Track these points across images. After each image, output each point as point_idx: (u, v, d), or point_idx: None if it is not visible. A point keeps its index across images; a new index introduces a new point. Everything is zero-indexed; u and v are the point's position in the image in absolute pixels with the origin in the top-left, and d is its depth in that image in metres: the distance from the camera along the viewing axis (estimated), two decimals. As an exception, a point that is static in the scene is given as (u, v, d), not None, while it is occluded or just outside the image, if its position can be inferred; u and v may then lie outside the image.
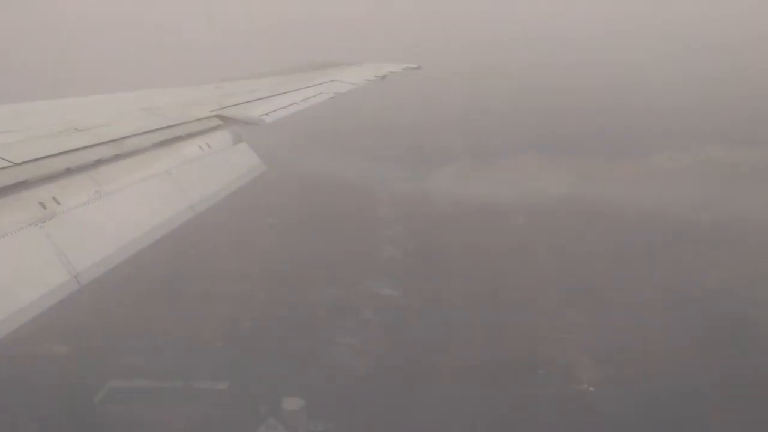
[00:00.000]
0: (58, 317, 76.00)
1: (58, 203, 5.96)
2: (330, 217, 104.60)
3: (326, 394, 61.21)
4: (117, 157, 7.24)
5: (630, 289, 78.38)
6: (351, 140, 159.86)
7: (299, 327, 72.05)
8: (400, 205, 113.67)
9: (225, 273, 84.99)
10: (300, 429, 58.67)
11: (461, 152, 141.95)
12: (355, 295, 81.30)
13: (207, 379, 63.82)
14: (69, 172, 6.47)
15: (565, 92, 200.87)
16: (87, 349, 67.86)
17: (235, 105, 10.90)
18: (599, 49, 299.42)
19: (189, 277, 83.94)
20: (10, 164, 5.88)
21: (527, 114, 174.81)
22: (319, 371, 64.88)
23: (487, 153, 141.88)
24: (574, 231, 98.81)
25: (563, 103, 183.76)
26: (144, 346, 68.06)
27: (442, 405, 59.19)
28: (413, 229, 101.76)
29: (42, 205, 5.80)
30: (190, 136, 8.81)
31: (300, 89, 13.75)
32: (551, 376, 64.33)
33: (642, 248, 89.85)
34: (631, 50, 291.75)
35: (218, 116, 9.90)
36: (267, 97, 12.25)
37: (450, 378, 62.97)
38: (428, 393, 60.86)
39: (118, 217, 6.66)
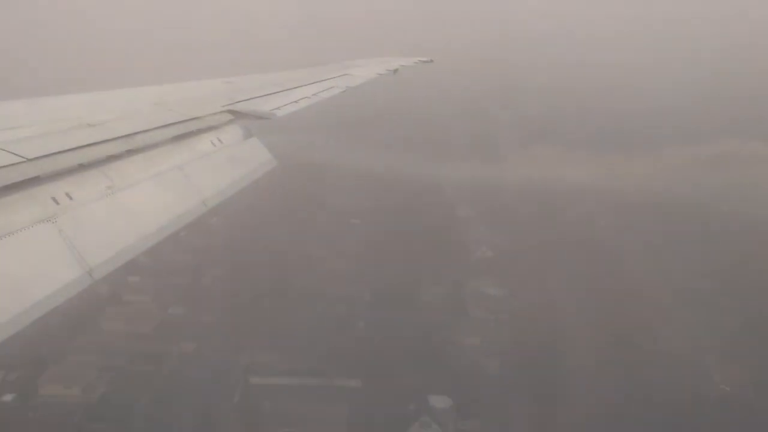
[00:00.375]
0: (172, 316, 78.33)
1: (71, 199, 5.96)
2: (407, 215, 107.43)
3: (467, 392, 61.32)
4: (129, 153, 7.24)
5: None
6: (390, 134, 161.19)
7: (414, 327, 72.87)
8: (469, 201, 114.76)
9: (326, 273, 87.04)
10: (450, 427, 58.17)
11: (506, 146, 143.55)
12: (462, 295, 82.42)
13: (340, 377, 64.43)
14: (81, 167, 6.47)
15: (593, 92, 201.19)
16: (214, 348, 69.30)
17: (246, 100, 10.88)
18: (601, 48, 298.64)
19: (294, 277, 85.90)
20: (23, 160, 5.89)
21: (554, 111, 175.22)
22: (452, 370, 65.18)
23: (531, 146, 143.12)
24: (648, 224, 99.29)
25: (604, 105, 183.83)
26: (269, 345, 69.23)
27: (582, 402, 58.78)
28: (495, 225, 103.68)
29: (55, 200, 5.80)
30: (202, 131, 8.79)
31: (311, 84, 13.70)
32: (680, 375, 63.87)
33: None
34: (634, 49, 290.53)
35: (229, 111, 9.88)
36: (278, 91, 12.21)
37: (581, 376, 62.78)
38: (564, 390, 60.56)
39: (131, 213, 6.65)
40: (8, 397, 62.50)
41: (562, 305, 76.79)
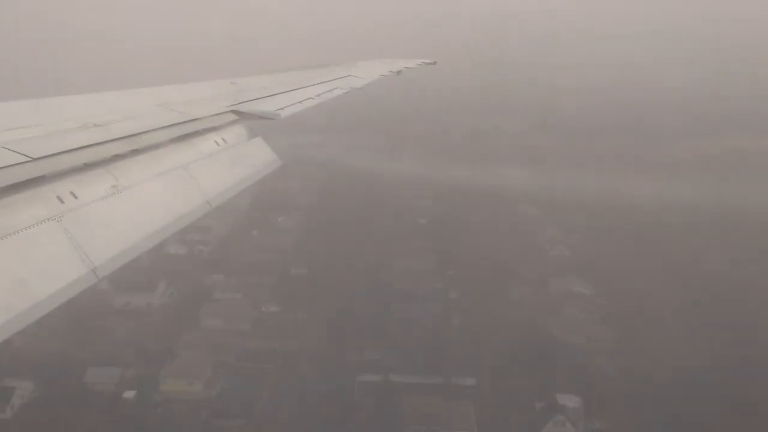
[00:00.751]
0: (267, 313, 79.34)
1: (76, 198, 6.00)
2: (470, 215, 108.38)
3: (590, 392, 61.09)
4: (134, 153, 7.27)
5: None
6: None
7: (510, 325, 72.87)
8: (530, 202, 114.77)
9: (404, 272, 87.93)
10: (580, 426, 58.08)
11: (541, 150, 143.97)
12: (550, 294, 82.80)
13: (456, 375, 64.49)
14: (86, 167, 6.50)
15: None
16: (318, 345, 70.49)
17: (250, 100, 10.90)
18: (604, 46, 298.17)
19: (375, 275, 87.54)
20: (29, 159, 5.92)
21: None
22: (566, 370, 64.89)
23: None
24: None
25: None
26: (372, 342, 70.04)
27: (712, 404, 58.11)
28: (562, 224, 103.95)
29: (60, 199, 5.83)
30: (206, 131, 8.83)
31: (315, 84, 13.72)
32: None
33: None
34: (640, 47, 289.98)
35: (233, 111, 9.91)
36: (282, 92, 12.24)
37: (702, 376, 62.15)
38: (688, 393, 59.89)
39: (135, 212, 6.68)
40: (129, 394, 63.56)
41: (652, 303, 77.17)
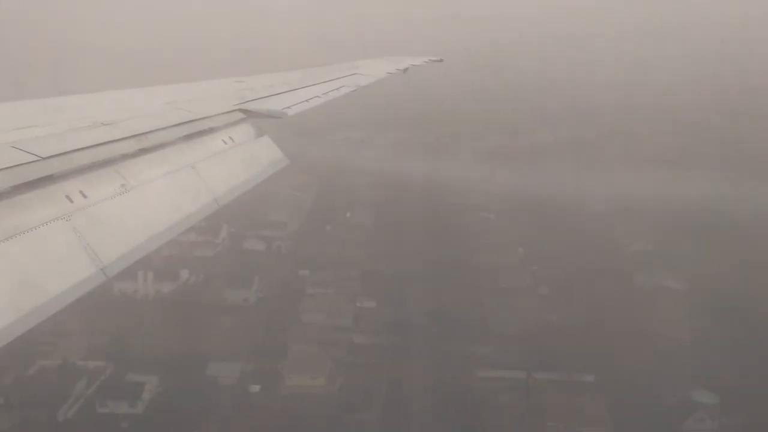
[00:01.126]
0: (363, 309, 79.57)
1: (85, 197, 6.01)
2: (535, 213, 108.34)
3: (720, 388, 60.53)
4: (142, 152, 7.28)
5: None
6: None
7: (608, 318, 72.60)
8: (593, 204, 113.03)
9: (491, 267, 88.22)
10: (716, 422, 57.98)
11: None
12: (640, 288, 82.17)
13: (573, 371, 64.33)
14: (95, 166, 6.51)
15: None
16: (424, 340, 71.31)
17: (257, 99, 10.90)
18: (610, 44, 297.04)
19: (459, 271, 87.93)
20: (37, 158, 5.93)
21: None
22: (680, 366, 64.28)
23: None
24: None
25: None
26: (476, 337, 70.48)
27: None
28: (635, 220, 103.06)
29: (68, 198, 5.84)
30: (213, 130, 8.83)
31: (322, 83, 13.71)
32: None
33: None
34: (646, 45, 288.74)
35: (240, 110, 9.91)
36: (289, 90, 12.23)
37: None
38: None
39: (144, 211, 6.70)
40: (255, 388, 64.50)
41: (745, 298, 76.74)
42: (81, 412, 61.30)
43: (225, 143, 8.76)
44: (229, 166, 8.50)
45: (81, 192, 6.01)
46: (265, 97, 11.25)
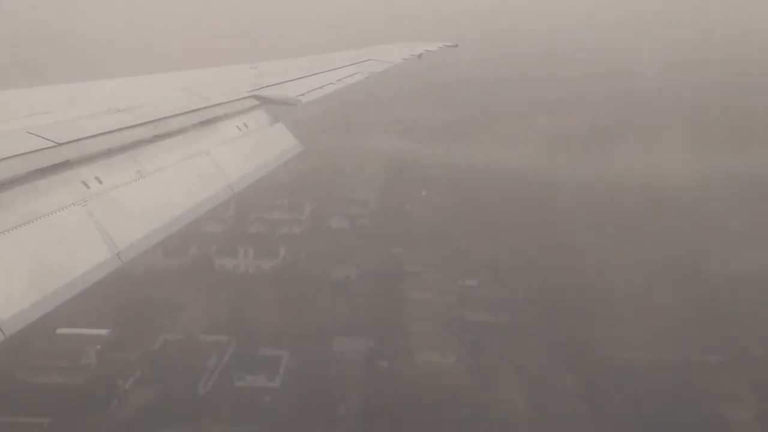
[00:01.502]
0: (467, 287, 79.02)
1: (101, 183, 6.05)
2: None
3: None
4: (157, 138, 7.31)
5: None
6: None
7: (681, 311, 71.65)
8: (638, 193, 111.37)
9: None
10: None
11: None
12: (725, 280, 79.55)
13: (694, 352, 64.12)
14: (111, 152, 6.55)
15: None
16: (533, 320, 71.23)
17: (271, 85, 10.88)
18: (626, 35, 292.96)
19: (553, 252, 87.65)
20: (54, 144, 5.97)
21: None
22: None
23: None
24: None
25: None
26: (591, 320, 69.67)
27: None
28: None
29: (85, 184, 5.88)
30: (228, 116, 8.84)
31: (336, 69, 13.65)
32: None
33: None
34: (654, 38, 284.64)
35: (255, 97, 9.90)
36: (303, 77, 12.19)
37: None
38: None
39: (159, 196, 6.73)
40: (384, 363, 64.29)
41: None
42: (219, 385, 61.24)
43: (239, 130, 8.77)
44: (243, 153, 8.50)
45: (97, 178, 6.05)
46: (278, 84, 11.22)
